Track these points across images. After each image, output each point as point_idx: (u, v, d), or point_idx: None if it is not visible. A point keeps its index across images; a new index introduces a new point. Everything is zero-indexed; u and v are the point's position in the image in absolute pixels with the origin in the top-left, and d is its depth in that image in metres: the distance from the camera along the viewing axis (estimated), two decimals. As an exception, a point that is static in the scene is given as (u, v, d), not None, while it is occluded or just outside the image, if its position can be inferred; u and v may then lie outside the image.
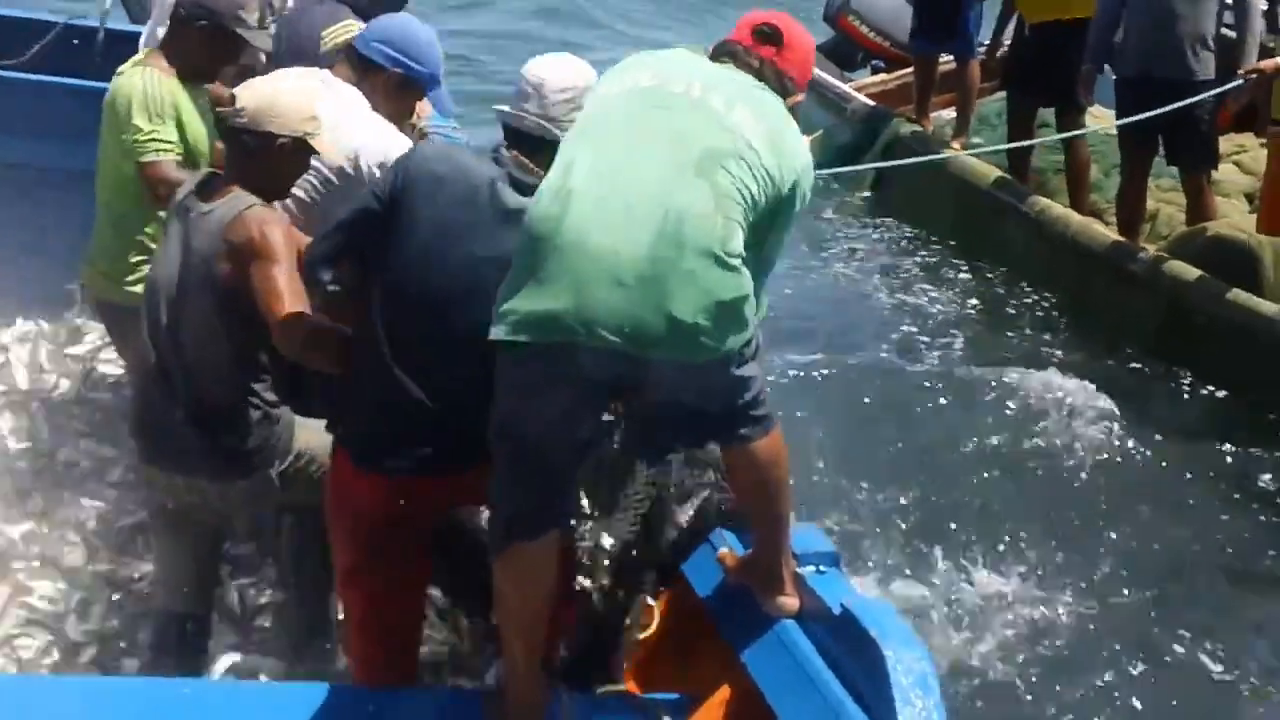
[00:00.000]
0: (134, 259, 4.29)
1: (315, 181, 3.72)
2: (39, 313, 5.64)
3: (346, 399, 3.30)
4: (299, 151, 3.47)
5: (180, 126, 4.24)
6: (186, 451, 3.50)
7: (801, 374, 6.80)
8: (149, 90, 4.22)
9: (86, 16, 6.37)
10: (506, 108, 3.24)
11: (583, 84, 3.21)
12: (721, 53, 3.15)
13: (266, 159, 3.44)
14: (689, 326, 2.79)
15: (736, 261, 2.85)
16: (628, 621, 3.75)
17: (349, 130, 3.70)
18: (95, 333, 5.39)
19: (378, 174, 3.56)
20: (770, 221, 2.98)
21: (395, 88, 3.97)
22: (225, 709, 3.23)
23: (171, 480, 3.57)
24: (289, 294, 3.25)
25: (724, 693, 3.42)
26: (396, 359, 3.17)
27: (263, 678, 3.91)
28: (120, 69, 4.38)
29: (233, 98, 3.43)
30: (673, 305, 2.77)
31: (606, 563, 3.82)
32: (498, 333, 2.86)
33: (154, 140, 4.19)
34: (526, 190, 3.06)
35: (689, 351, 2.83)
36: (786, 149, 3.00)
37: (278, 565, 4.17)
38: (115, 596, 4.26)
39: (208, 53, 4.30)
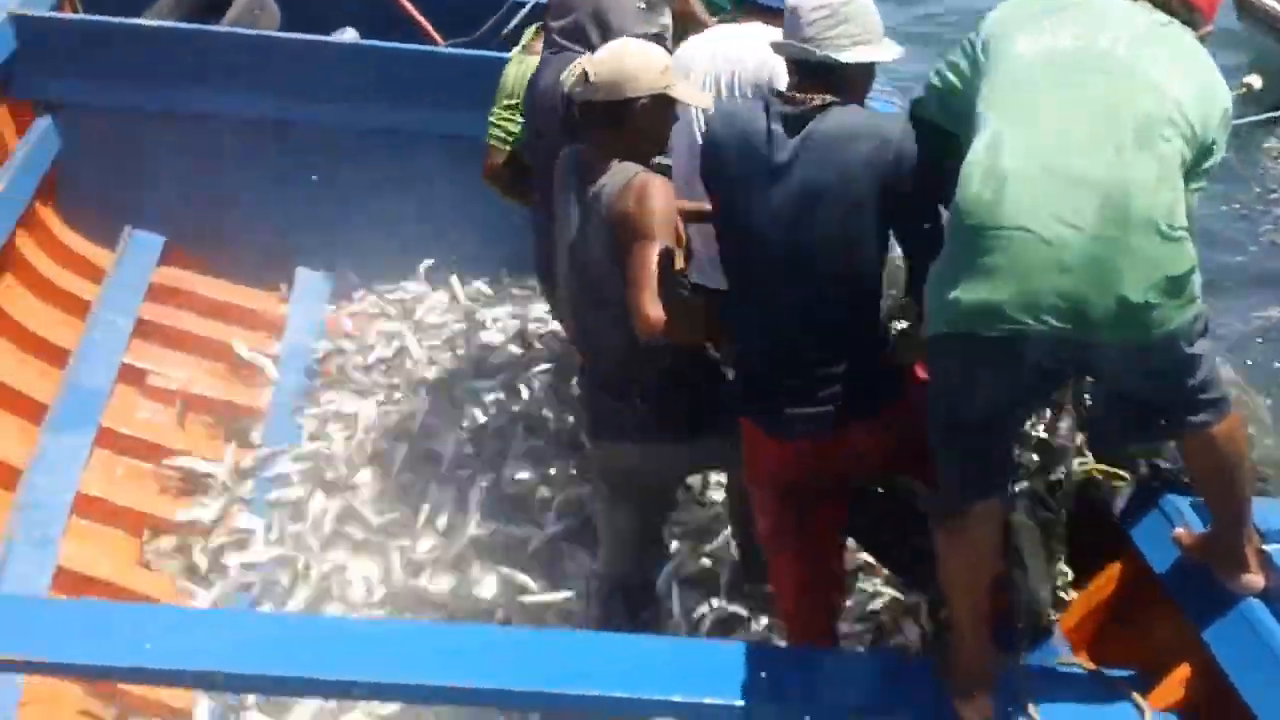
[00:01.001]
0: None
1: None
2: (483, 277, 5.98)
3: (739, 371, 3.33)
4: (661, 107, 3.45)
5: None
6: (633, 421, 3.55)
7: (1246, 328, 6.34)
8: (513, 77, 4.41)
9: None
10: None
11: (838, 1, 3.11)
12: None
13: (632, 124, 3.43)
14: (1138, 306, 2.66)
15: (1181, 233, 2.71)
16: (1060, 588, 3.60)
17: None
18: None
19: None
20: (1192, 178, 2.81)
21: None
22: (662, 663, 3.29)
23: (620, 449, 3.64)
24: (653, 282, 3.26)
25: (1184, 670, 3.27)
26: (770, 323, 3.19)
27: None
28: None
29: (584, 74, 3.43)
30: (1121, 285, 2.65)
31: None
32: (937, 327, 2.82)
33: (494, 126, 4.41)
34: (791, 121, 3.06)
35: (1139, 332, 2.70)
36: (1214, 97, 2.84)
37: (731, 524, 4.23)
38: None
39: None
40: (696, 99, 3.55)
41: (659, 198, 3.30)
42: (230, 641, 3.22)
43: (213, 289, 5.99)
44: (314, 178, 6.00)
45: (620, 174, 3.39)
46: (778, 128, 3.09)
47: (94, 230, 5.94)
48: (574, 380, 4.50)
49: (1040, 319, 2.68)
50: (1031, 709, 3.11)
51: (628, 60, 3.42)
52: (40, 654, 3.10)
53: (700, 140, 3.34)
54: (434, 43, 6.51)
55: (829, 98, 3.09)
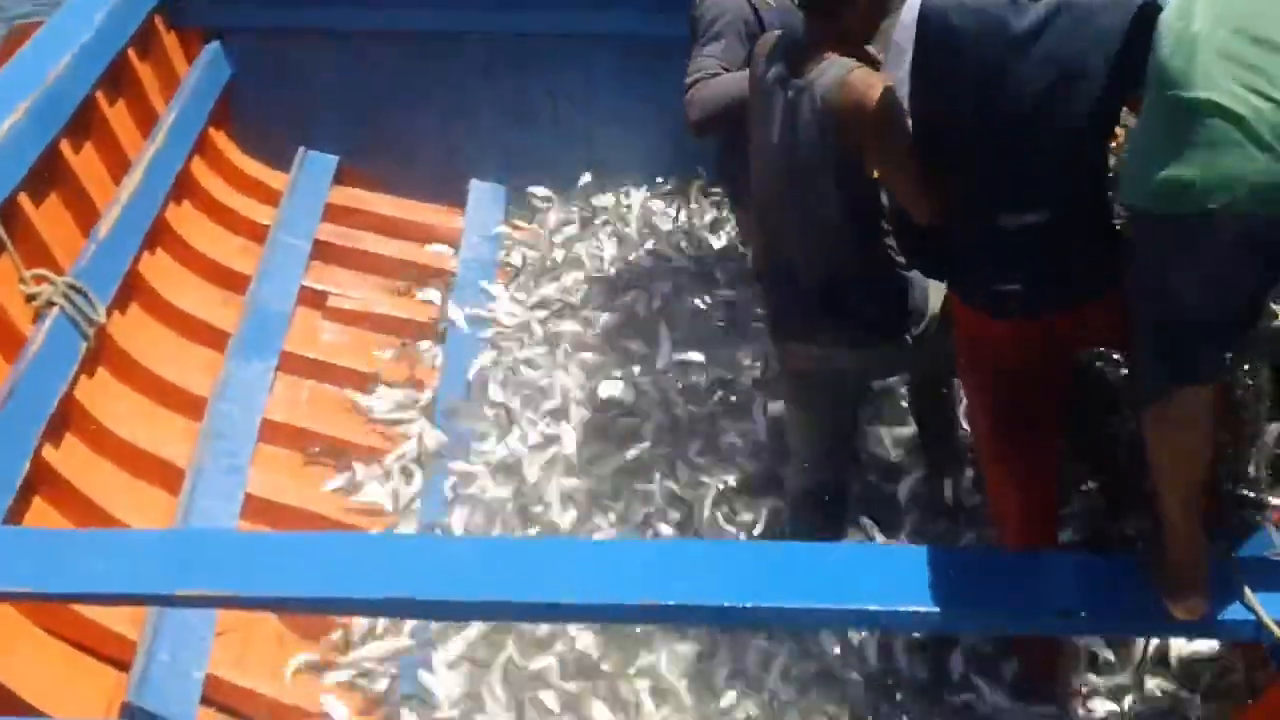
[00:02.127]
0: None
1: None
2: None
3: (958, 252, 3.15)
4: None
5: None
6: (820, 323, 3.43)
7: None
8: None
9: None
10: None
11: None
12: None
13: (852, 10, 3.27)
14: None
15: None
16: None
17: None
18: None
19: None
20: None
21: None
22: (867, 569, 3.13)
23: (807, 351, 3.50)
24: (914, 169, 3.14)
25: None
26: (987, 200, 3.01)
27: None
28: None
29: None
30: None
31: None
32: (1133, 198, 2.64)
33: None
34: None
35: None
36: None
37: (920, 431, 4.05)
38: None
39: None
40: None
41: (886, 90, 3.16)
42: (426, 567, 3.12)
43: (388, 206, 5.93)
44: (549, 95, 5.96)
45: (833, 69, 3.22)
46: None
47: (268, 154, 5.92)
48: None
49: (1237, 200, 2.44)
50: (1249, 598, 2.89)
51: None
52: (234, 588, 3.04)
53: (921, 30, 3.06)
54: None
55: None
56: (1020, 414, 3.22)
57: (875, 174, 3.25)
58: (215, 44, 5.85)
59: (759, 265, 3.69)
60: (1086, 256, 3.02)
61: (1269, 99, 2.41)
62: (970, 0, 2.93)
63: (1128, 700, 3.47)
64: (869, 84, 3.18)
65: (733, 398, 4.46)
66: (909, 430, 4.12)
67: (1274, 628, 2.84)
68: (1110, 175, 3.11)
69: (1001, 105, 2.92)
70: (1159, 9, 2.77)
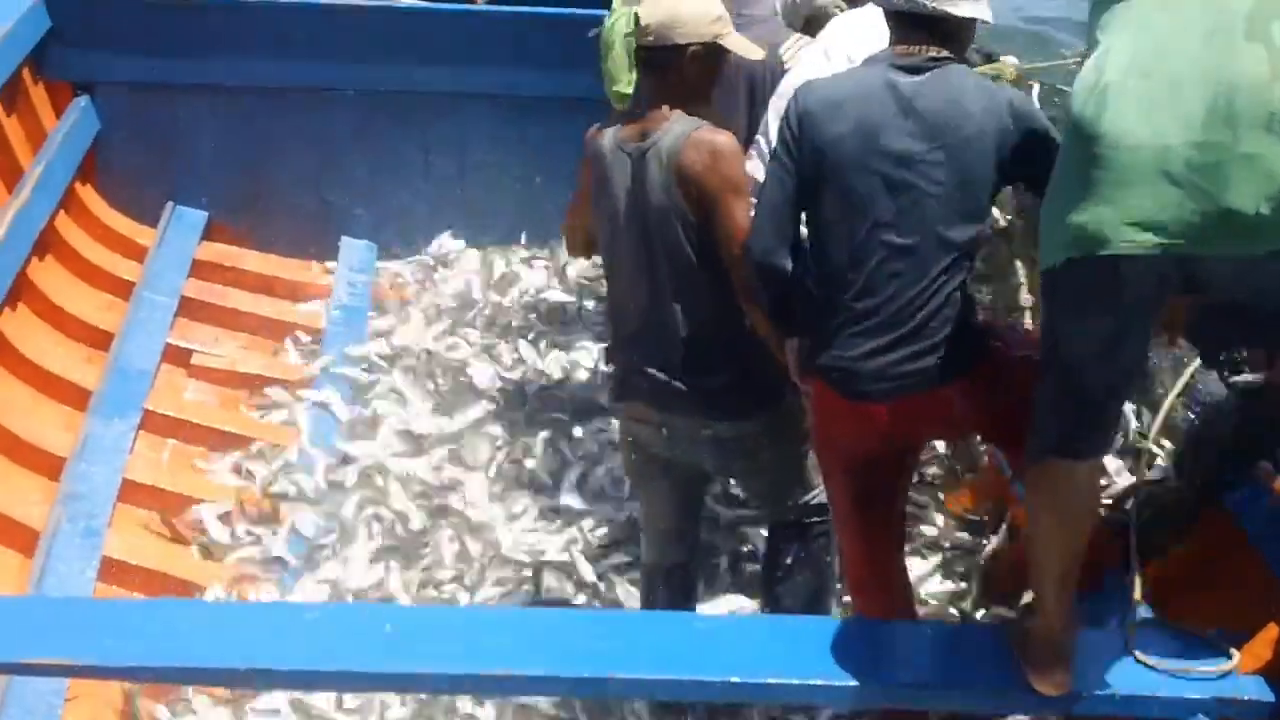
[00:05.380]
0: None
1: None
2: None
3: (822, 323, 3.14)
4: (711, 56, 3.37)
5: None
6: (681, 393, 3.39)
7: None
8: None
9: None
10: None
11: None
12: None
13: (680, 71, 3.34)
14: (1250, 219, 2.40)
15: None
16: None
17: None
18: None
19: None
20: None
21: None
22: (726, 642, 3.15)
23: (647, 414, 3.47)
24: (746, 224, 3.19)
25: (1274, 631, 3.06)
26: (863, 272, 3.03)
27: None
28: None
29: (635, 16, 3.33)
30: (1229, 195, 2.40)
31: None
32: (1045, 260, 2.64)
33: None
34: (915, 70, 2.98)
35: (1249, 245, 2.45)
36: None
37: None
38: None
39: None
40: (748, 50, 3.43)
41: (732, 152, 3.25)
42: (280, 635, 3.10)
43: (257, 262, 5.91)
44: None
45: (676, 127, 3.28)
46: (898, 76, 2.99)
47: (135, 208, 5.87)
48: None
49: (1145, 235, 2.46)
50: (1112, 674, 2.95)
51: (682, 6, 3.33)
52: (86, 657, 3.00)
53: (796, 106, 3.11)
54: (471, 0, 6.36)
55: (942, 50, 3.01)
56: (870, 495, 3.22)
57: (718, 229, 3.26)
58: (84, 97, 5.80)
59: (616, 336, 3.62)
60: (947, 338, 3.03)
61: (1175, 133, 2.43)
62: (846, 80, 3.05)
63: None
64: (711, 142, 3.25)
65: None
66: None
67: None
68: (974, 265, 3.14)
69: (882, 166, 2.98)
70: (1022, 99, 2.93)
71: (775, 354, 3.28)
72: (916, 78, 2.97)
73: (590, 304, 5.50)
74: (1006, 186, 3.17)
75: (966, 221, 3.00)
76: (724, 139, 3.26)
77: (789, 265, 3.11)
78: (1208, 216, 2.42)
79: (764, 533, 3.93)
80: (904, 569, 3.45)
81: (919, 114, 2.95)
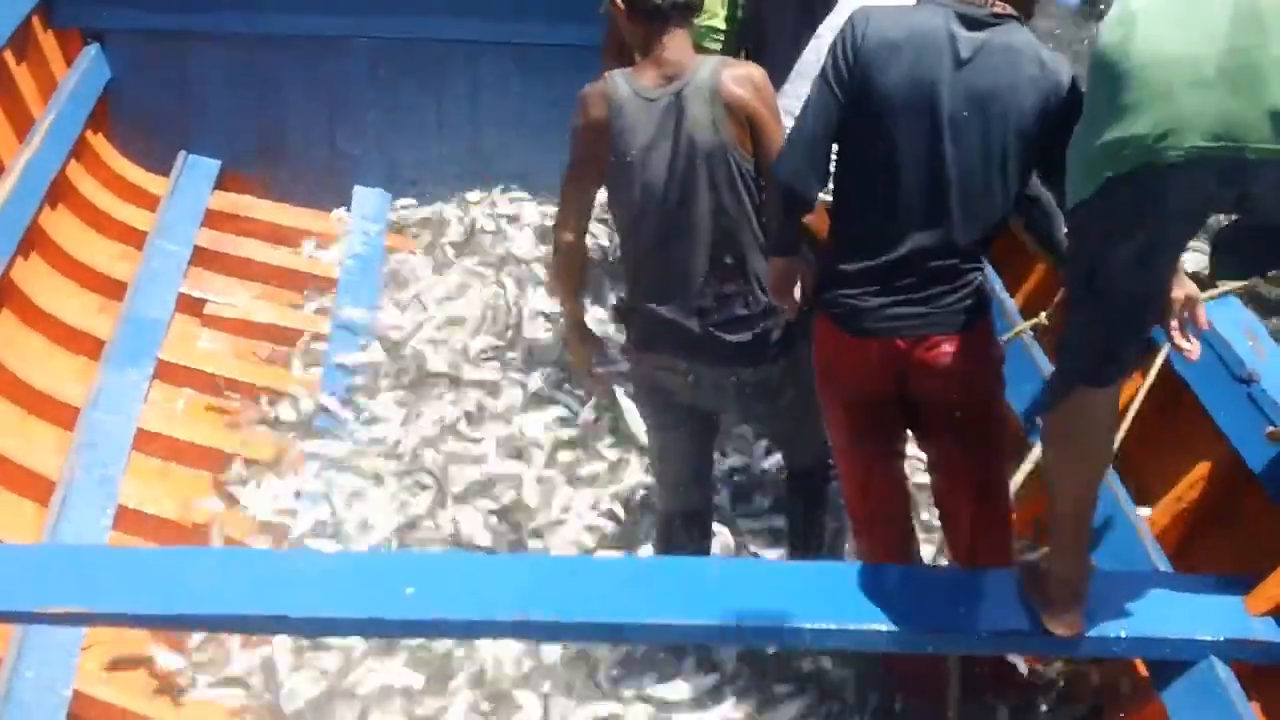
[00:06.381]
0: None
1: None
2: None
3: (836, 263, 3.14)
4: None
5: None
6: (712, 343, 3.39)
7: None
8: None
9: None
10: None
11: None
12: None
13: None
14: None
15: None
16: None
17: None
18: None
19: None
20: None
21: None
22: (729, 583, 3.18)
23: (694, 369, 3.46)
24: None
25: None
26: (887, 221, 3.03)
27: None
28: None
29: None
30: (1268, 92, 2.41)
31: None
32: (1077, 195, 2.63)
33: None
34: (977, 24, 2.93)
35: None
36: None
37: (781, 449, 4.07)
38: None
39: None
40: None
41: (766, 80, 3.33)
42: (297, 582, 3.13)
43: (270, 211, 5.90)
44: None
45: (708, 61, 3.32)
46: (958, 28, 2.94)
47: (148, 158, 5.86)
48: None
49: (1185, 141, 2.47)
50: (1124, 617, 2.97)
51: None
52: (103, 605, 3.03)
53: (853, 37, 3.04)
54: None
55: (1009, 8, 2.97)
56: (870, 426, 3.25)
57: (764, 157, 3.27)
58: (94, 46, 5.77)
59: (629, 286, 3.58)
60: (954, 294, 3.04)
61: (1205, 43, 2.45)
62: (908, 31, 2.97)
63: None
64: (748, 70, 3.32)
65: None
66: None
67: None
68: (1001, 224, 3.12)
69: (925, 124, 2.95)
70: (1070, 74, 2.91)
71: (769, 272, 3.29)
72: (977, 34, 2.93)
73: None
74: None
75: (998, 186, 2.98)
76: (756, 69, 3.34)
77: (814, 194, 3.09)
78: (1248, 114, 2.43)
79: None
80: (908, 516, 3.45)
81: (972, 75, 2.92)
